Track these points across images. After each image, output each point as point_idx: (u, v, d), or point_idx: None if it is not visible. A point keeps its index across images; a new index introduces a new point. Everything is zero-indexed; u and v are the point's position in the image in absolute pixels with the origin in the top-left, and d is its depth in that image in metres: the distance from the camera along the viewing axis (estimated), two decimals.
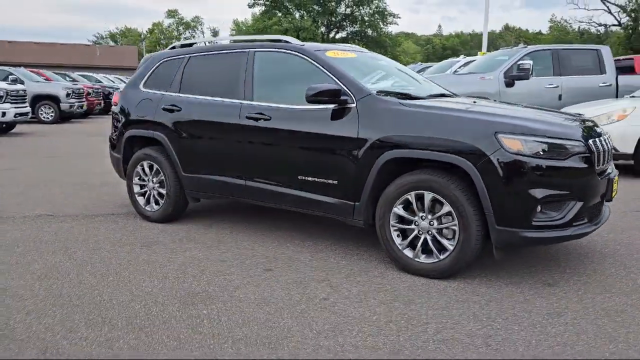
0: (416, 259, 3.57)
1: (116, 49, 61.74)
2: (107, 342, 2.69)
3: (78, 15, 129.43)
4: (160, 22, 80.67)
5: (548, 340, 2.69)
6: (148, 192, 5.05)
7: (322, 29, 54.70)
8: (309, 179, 3.99)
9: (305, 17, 51.10)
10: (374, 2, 51.64)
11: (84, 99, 19.35)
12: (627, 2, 44.75)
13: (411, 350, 2.59)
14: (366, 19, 52.97)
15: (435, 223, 3.48)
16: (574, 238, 3.36)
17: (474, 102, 4.15)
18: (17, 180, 7.23)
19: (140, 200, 5.10)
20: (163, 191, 4.92)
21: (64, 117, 18.32)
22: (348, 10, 54.16)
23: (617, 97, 9.73)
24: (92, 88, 21.12)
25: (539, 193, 3.20)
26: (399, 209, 3.60)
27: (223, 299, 3.23)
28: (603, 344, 2.65)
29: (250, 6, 56.24)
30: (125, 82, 29.36)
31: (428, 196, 3.46)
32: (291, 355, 2.55)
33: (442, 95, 4.48)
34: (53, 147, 11.46)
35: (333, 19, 54.74)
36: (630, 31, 44.08)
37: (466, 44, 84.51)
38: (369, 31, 53.28)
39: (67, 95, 18.00)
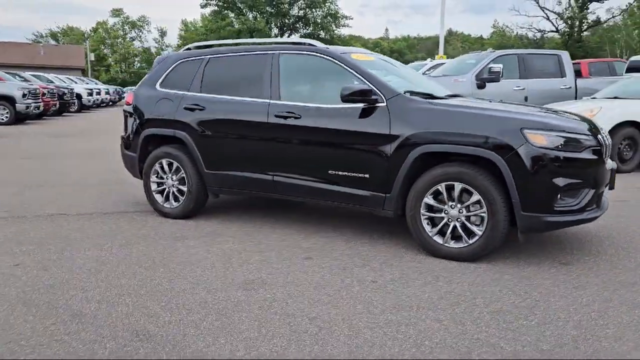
0: (446, 244, 3.91)
1: (61, 48, 59.49)
2: (194, 323, 2.88)
3: (10, 13, 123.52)
4: (105, 21, 78.34)
5: (583, 308, 3.08)
6: (167, 189, 5.17)
7: (275, 31, 54.91)
8: (340, 173, 4.26)
9: (258, 19, 51.13)
10: (326, 4, 52.34)
11: (40, 100, 18.76)
12: (564, 10, 47.34)
13: (471, 321, 2.91)
14: (319, 21, 53.61)
15: (464, 211, 3.84)
16: (587, 222, 3.80)
17: (490, 101, 4.55)
18: (6, 182, 7.11)
19: (158, 198, 5.22)
20: (183, 188, 5.06)
21: (19, 118, 17.72)
22: (301, 13, 54.64)
23: (576, 98, 10.51)
24: (47, 88, 20.46)
25: (560, 182, 3.61)
26: (429, 199, 3.93)
27: (279, 284, 3.46)
28: (629, 310, 3.06)
29: (202, 6, 55.71)
30: (77, 82, 28.63)
31: (458, 187, 3.81)
32: (368, 327, 2.82)
33: (456, 95, 4.86)
34: (22, 149, 11.17)
35: (286, 20, 55.06)
36: (567, 37, 46.57)
37: (413, 48, 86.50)
38: (322, 33, 53.93)
39: (24, 95, 17.43)
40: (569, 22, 47.24)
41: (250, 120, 4.63)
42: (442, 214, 3.92)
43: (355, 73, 4.31)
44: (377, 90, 4.13)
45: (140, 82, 5.60)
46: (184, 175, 5.04)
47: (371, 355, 2.54)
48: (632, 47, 49.73)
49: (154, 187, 5.24)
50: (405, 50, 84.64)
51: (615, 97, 8.73)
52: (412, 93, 4.28)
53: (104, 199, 6.12)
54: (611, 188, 4.13)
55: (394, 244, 4.33)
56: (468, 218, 3.84)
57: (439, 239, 3.94)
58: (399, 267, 3.78)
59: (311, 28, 54.34)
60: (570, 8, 47.18)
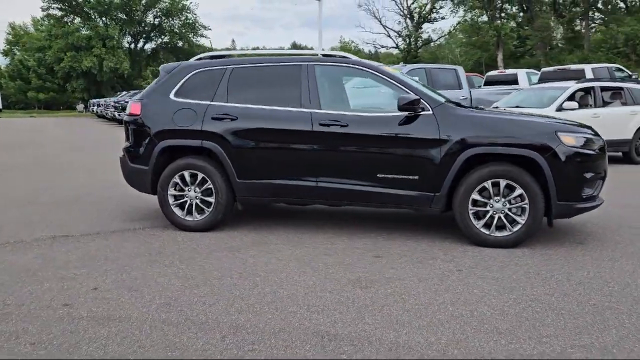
0: (492, 234, 4.47)
1: None
2: (358, 319, 3.05)
3: None
4: None
5: (621, 277, 3.82)
6: (189, 202, 5.03)
7: (129, 38, 52.11)
8: (390, 176, 4.61)
9: (110, 26, 48.00)
10: (184, 13, 51.01)
11: None
12: (402, 29, 52.16)
13: (560, 292, 3.48)
14: (176, 30, 52.00)
15: (507, 204, 4.44)
16: (597, 207, 4.62)
17: (508, 110, 5.25)
18: None
19: (178, 211, 5.06)
20: (210, 199, 4.97)
21: None
22: (156, 21, 52.49)
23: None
24: None
25: (587, 174, 4.39)
26: (476, 195, 4.47)
27: (381, 281, 3.70)
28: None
29: (44, 10, 50.71)
30: None
31: (503, 183, 4.41)
32: (490, 308, 3.24)
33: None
34: None
35: (140, 28, 52.45)
36: (406, 53, 51.17)
37: None
38: (180, 43, 52.40)
39: None
40: (407, 40, 52.03)
41: (293, 129, 4.76)
42: (487, 208, 4.48)
43: (397, 84, 4.70)
44: (423, 100, 4.57)
45: (146, 92, 5.35)
46: (210, 186, 4.95)
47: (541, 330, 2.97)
48: (456, 63, 56.49)
49: (171, 200, 5.06)
50: None
51: (517, 107, 10.19)
52: (448, 101, 4.79)
53: (92, 216, 5.68)
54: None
55: (440, 239, 4.77)
56: (510, 210, 4.45)
57: (485, 230, 4.49)
58: (470, 258, 4.23)
59: (167, 37, 52.55)
60: (407, 27, 52.10)
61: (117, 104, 24.52)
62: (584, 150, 4.41)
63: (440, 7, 47.21)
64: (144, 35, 53.24)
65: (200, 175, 4.98)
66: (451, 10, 49.47)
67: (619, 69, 17.68)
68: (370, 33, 72.91)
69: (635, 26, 36.97)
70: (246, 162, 4.89)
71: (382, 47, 53.37)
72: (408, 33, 51.53)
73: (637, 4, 44.99)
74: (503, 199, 4.44)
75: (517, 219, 4.43)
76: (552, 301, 3.33)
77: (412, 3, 49.59)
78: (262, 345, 2.75)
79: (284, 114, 4.83)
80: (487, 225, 4.50)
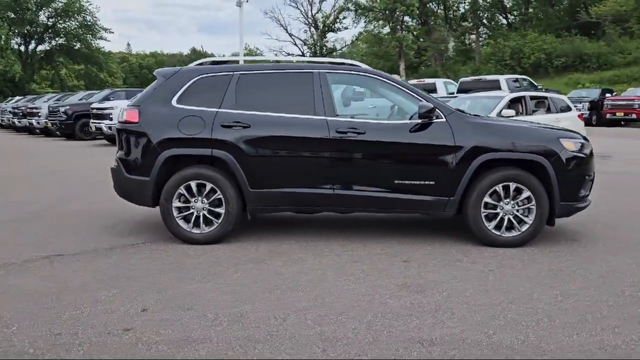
0: (503, 235, 4.74)
1: None
2: (440, 323, 3.11)
3: None
4: None
5: (631, 269, 4.24)
6: (195, 213, 4.79)
7: (18, 39, 47.76)
8: (406, 182, 4.72)
9: None
10: (82, 14, 47.69)
11: None
12: (308, 37, 53.10)
13: (593, 286, 3.79)
14: (73, 32, 48.47)
15: (516, 206, 4.72)
16: (587, 206, 5.05)
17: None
18: None
19: (183, 223, 4.80)
20: (218, 210, 4.77)
21: None
22: (50, 22, 48.60)
23: None
24: None
25: (585, 176, 4.80)
26: (487, 198, 4.71)
27: (429, 285, 3.78)
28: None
29: None
30: None
31: (513, 186, 4.68)
32: (546, 304, 3.46)
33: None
34: None
35: (32, 29, 48.29)
36: None
37: (162, 64, 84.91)
38: (78, 45, 48.91)
39: None
40: (312, 48, 53.02)
41: (311, 137, 4.71)
42: (498, 210, 4.73)
43: (411, 92, 4.84)
44: (437, 108, 4.74)
45: (142, 98, 5.00)
46: (220, 196, 4.76)
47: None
48: None
49: (175, 212, 4.79)
50: (154, 65, 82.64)
51: None
52: (458, 110, 5.00)
53: (70, 233, 5.23)
54: None
55: (455, 242, 4.94)
56: (518, 211, 4.74)
57: (496, 231, 4.74)
58: (491, 257, 4.44)
59: (63, 39, 48.84)
60: (312, 36, 53.13)
61: (16, 110, 22.41)
62: (580, 154, 4.81)
63: (344, 18, 48.59)
64: (36, 37, 49.15)
65: (208, 186, 4.76)
66: (353, 21, 51.07)
67: (525, 79, 19.38)
68: (277, 41, 73.36)
69: (519, 41, 40.56)
70: (260, 170, 4.76)
71: (289, 54, 53.90)
72: (313, 42, 52.52)
73: (517, 19, 49.46)
74: (512, 202, 4.72)
75: (525, 219, 4.73)
76: (593, 294, 3.60)
77: (317, 12, 50.65)
78: (371, 355, 2.72)
79: (299, 121, 4.77)
80: (497, 227, 4.75)
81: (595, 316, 3.23)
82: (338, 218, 5.85)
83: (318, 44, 50.82)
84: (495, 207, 4.73)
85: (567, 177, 4.70)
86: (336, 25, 48.99)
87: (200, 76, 4.94)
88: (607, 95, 24.12)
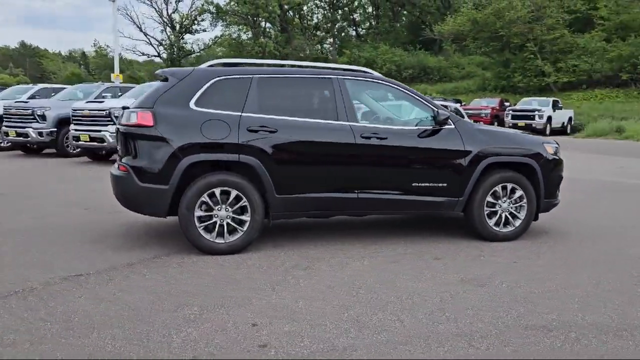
0: (502, 230, 5.26)
1: None
2: (513, 321, 3.44)
3: None
4: None
5: (614, 254, 5.03)
6: (219, 222, 4.55)
7: None
8: (423, 184, 5.00)
9: None
10: None
11: None
12: (165, 38, 51.04)
13: (602, 271, 4.45)
14: None
15: (512, 204, 5.28)
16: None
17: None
18: None
19: (205, 233, 4.53)
20: (242, 218, 4.59)
21: None
22: None
23: None
24: None
25: (560, 176, 5.52)
26: (489, 197, 5.20)
27: (483, 278, 4.10)
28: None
29: None
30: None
31: (509, 186, 5.23)
32: (589, 286, 4.01)
33: None
34: None
35: None
36: (170, 62, 50.16)
37: None
38: None
39: None
40: (170, 49, 51.08)
41: (338, 142, 4.76)
42: (496, 208, 5.25)
43: (424, 101, 5.14)
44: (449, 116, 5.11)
45: (151, 99, 4.56)
46: (245, 203, 4.58)
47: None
48: None
49: (197, 222, 4.51)
50: None
51: None
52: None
53: (73, 251, 4.61)
54: None
55: (453, 238, 5.32)
56: (513, 208, 5.29)
57: (496, 227, 5.25)
58: (497, 250, 4.90)
59: None
60: (168, 37, 51.18)
61: None
62: (557, 156, 5.54)
63: (202, 20, 47.58)
64: None
65: (234, 193, 4.55)
66: (211, 23, 50.29)
67: None
68: (130, 39, 69.27)
69: (372, 52, 43.57)
70: (287, 176, 4.68)
71: (144, 54, 51.28)
72: (170, 42, 50.55)
73: (368, 33, 52.98)
74: (508, 200, 5.27)
75: (518, 215, 5.31)
76: (612, 277, 4.20)
77: (173, 12, 48.88)
78: (514, 344, 2.93)
79: (325, 126, 4.79)
80: (497, 223, 5.26)
81: (634, 295, 3.81)
82: (337, 220, 5.93)
83: (175, 45, 49.04)
84: (494, 205, 5.24)
85: (549, 177, 5.38)
86: (194, 27, 47.74)
87: (219, 78, 4.70)
88: (459, 105, 27.04)
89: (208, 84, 4.66)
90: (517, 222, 5.29)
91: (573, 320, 3.29)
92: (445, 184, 5.07)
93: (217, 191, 4.53)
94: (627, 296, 3.74)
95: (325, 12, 51.49)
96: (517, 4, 33.46)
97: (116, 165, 4.83)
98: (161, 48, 51.36)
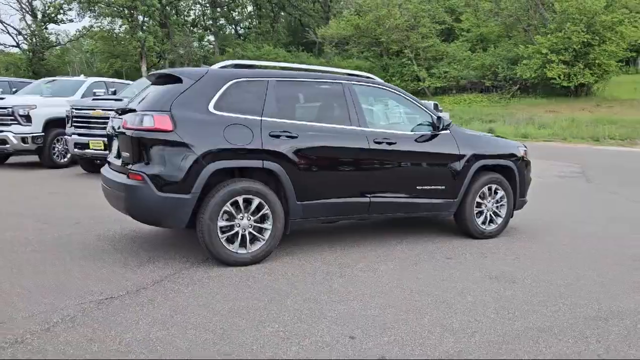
0: (487, 229, 5.63)
1: None
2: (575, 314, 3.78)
3: None
4: None
5: (594, 247, 5.65)
6: (241, 232, 4.33)
7: None
8: (426, 187, 5.19)
9: None
10: None
11: None
12: (25, 27, 46.17)
13: (597, 259, 5.00)
14: None
15: (495, 204, 5.67)
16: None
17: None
18: None
19: (227, 244, 4.29)
20: (264, 226, 4.42)
21: None
22: None
23: None
24: None
25: (529, 176, 6.05)
26: (478, 198, 5.55)
27: (507, 276, 4.36)
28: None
29: None
30: None
31: (493, 187, 5.63)
32: (600, 276, 4.48)
33: None
34: None
35: None
36: (32, 54, 45.54)
37: None
38: None
39: None
40: (31, 39, 46.34)
41: (355, 147, 4.75)
42: (482, 208, 5.61)
43: (423, 107, 5.32)
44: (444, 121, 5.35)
45: (166, 102, 4.16)
46: (267, 211, 4.40)
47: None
48: (87, 69, 53.49)
49: (219, 232, 4.25)
50: None
51: None
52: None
53: (85, 267, 4.06)
54: None
55: (448, 237, 5.57)
56: (495, 207, 5.70)
57: (483, 226, 5.62)
58: (494, 247, 5.24)
59: None
60: (28, 26, 46.42)
61: None
62: (527, 158, 6.06)
63: (69, 9, 43.76)
64: None
65: (256, 200, 4.35)
66: (78, 14, 46.43)
67: None
68: None
69: (256, 52, 43.40)
70: (308, 182, 4.57)
71: (1, 44, 45.86)
72: (31, 32, 45.76)
73: (248, 32, 52.67)
74: (492, 200, 5.66)
75: (500, 213, 5.73)
76: (610, 263, 4.73)
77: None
78: (580, 338, 3.21)
79: (342, 131, 4.76)
80: (483, 222, 5.63)
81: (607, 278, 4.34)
82: (334, 225, 5.90)
83: (37, 35, 44.50)
84: (480, 205, 5.60)
85: (524, 177, 5.89)
86: (59, 16, 43.66)
87: (235, 80, 4.45)
88: None
89: (225, 87, 4.40)
90: (499, 220, 5.70)
91: (616, 309, 3.67)
92: (444, 187, 5.31)
93: (240, 199, 4.31)
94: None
95: (205, 9, 50.26)
96: (396, 13, 35.54)
97: (114, 172, 4.38)
98: (20, 38, 46.36)
